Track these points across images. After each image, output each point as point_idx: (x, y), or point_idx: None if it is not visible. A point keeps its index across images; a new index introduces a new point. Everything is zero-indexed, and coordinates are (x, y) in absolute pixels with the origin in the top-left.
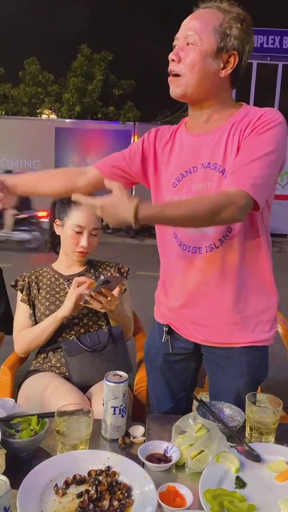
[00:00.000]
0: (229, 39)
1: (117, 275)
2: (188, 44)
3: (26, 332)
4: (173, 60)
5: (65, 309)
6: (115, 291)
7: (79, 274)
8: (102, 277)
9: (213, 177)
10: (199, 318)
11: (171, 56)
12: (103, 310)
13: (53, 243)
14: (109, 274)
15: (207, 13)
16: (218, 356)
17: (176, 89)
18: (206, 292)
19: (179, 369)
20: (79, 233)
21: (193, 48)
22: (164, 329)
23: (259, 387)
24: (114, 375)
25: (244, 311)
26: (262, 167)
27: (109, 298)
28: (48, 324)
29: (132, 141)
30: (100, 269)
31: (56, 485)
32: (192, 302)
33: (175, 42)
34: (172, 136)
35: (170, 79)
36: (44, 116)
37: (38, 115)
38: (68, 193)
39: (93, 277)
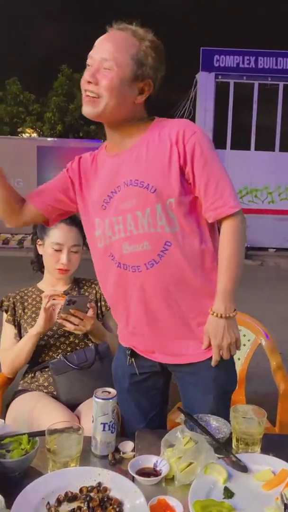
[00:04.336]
0: (145, 68)
1: (85, 294)
2: (104, 68)
3: (8, 352)
4: (89, 82)
5: (38, 324)
6: (89, 312)
7: (64, 293)
8: (66, 298)
9: (138, 193)
10: (152, 337)
11: (87, 77)
12: (78, 332)
13: (39, 264)
14: (74, 293)
15: (122, 38)
16: (184, 373)
17: (93, 109)
18: (155, 309)
19: (146, 387)
20: (59, 250)
21: (110, 73)
22: (127, 352)
23: (231, 397)
24: (103, 391)
25: (193, 323)
26: (226, 177)
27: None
28: (25, 342)
29: None
30: (85, 287)
31: (48, 503)
32: (144, 320)
33: (89, 61)
34: (93, 161)
35: (86, 99)
36: (25, 135)
37: (20, 134)
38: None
39: (78, 296)
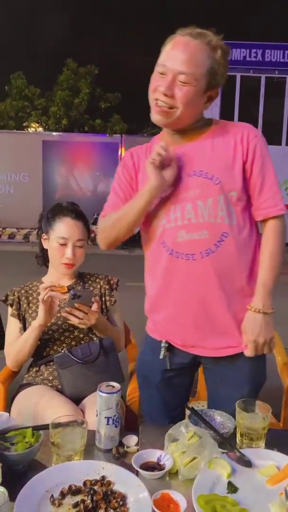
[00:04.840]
0: (217, 78)
1: (90, 288)
2: (180, 81)
3: (13, 346)
4: (165, 94)
5: (39, 316)
6: (94, 306)
7: (68, 288)
8: (71, 292)
9: (202, 184)
10: (199, 326)
11: (163, 90)
12: (82, 326)
13: (44, 258)
14: (79, 288)
15: (198, 49)
16: (222, 366)
17: (166, 119)
18: (204, 299)
19: (175, 384)
20: (64, 245)
21: (186, 87)
22: (163, 345)
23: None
24: (107, 386)
25: (238, 318)
26: (277, 182)
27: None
28: (28, 334)
29: (119, 153)
30: (90, 282)
31: (52, 496)
32: (190, 310)
33: (162, 70)
34: (147, 152)
35: (158, 109)
36: (31, 130)
37: (25, 129)
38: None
39: (83, 290)
